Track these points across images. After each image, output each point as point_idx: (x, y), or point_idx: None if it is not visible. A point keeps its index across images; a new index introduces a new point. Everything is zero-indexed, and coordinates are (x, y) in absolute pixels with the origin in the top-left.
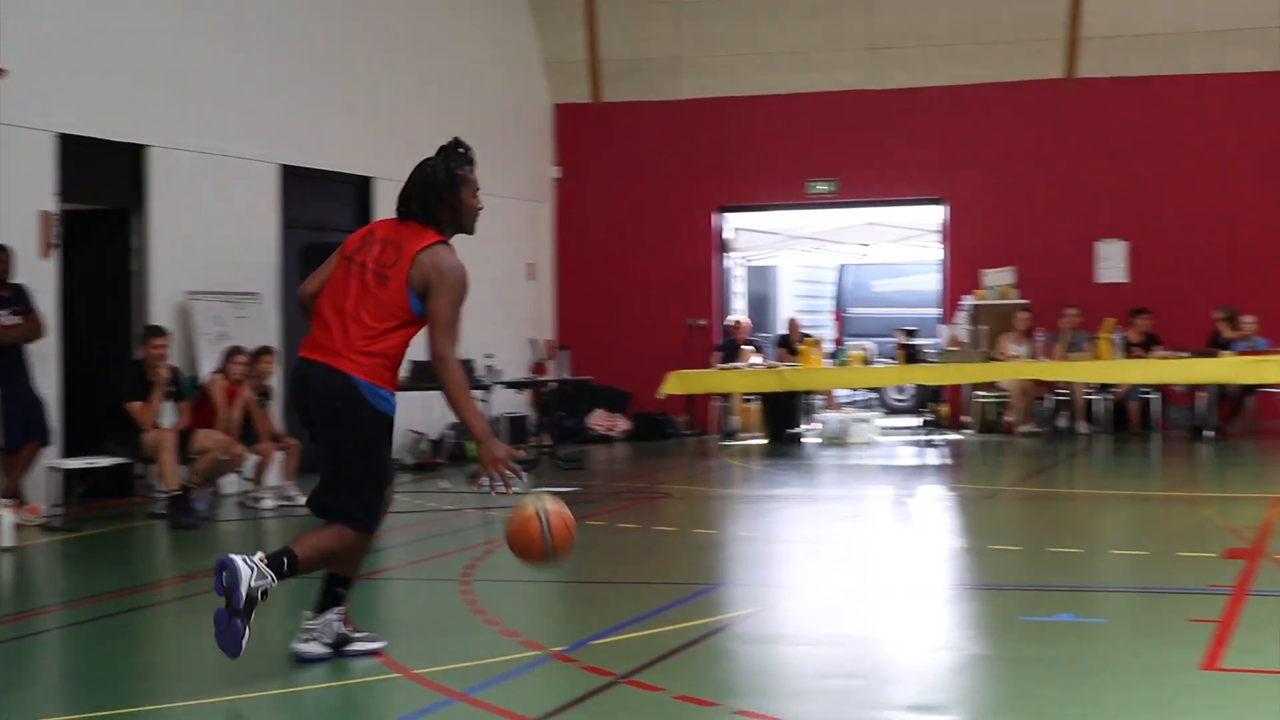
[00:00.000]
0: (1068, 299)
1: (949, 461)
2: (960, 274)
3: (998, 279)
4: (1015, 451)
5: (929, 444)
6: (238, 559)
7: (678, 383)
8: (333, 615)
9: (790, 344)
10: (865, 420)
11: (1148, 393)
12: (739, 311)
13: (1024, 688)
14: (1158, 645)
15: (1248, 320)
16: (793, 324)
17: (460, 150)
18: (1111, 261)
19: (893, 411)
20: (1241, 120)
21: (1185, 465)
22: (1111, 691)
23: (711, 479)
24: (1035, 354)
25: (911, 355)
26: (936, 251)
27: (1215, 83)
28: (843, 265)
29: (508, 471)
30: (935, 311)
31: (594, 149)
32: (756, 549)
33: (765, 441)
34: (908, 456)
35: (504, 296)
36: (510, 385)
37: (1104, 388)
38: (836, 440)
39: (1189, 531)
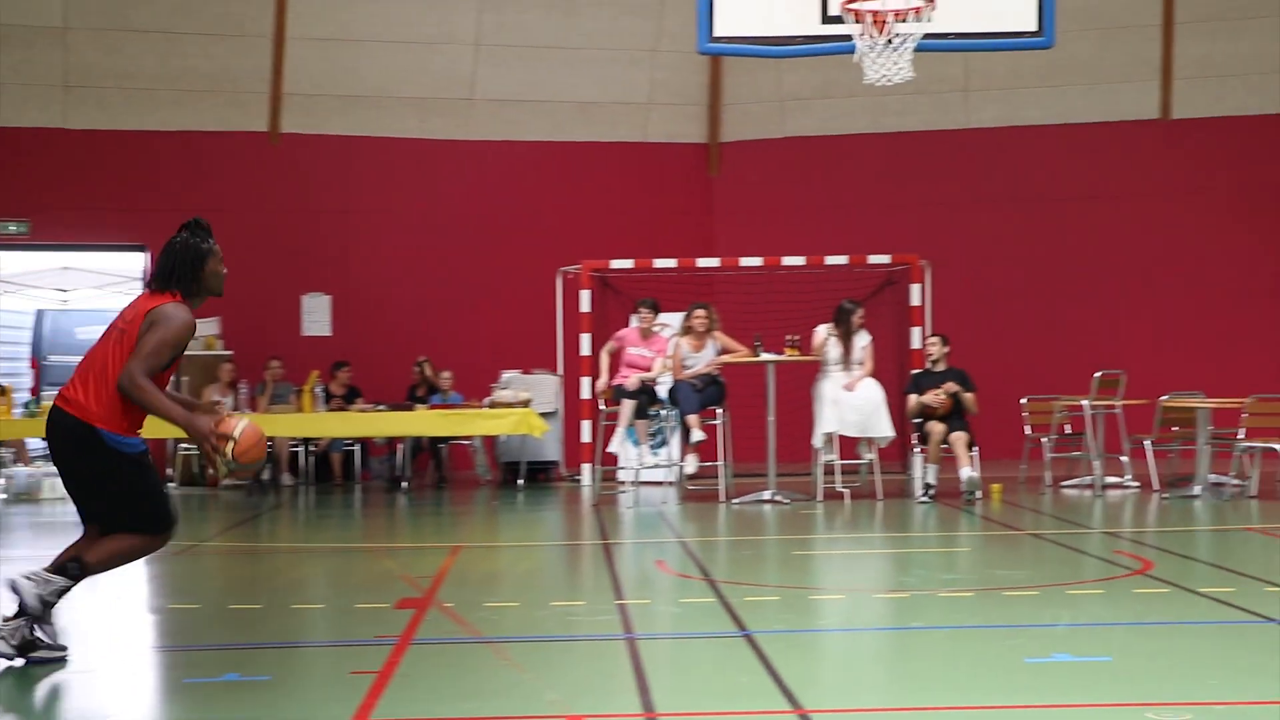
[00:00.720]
0: (274, 350)
1: None
2: None
3: (203, 329)
4: (219, 505)
5: None
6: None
7: None
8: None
9: None
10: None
11: (350, 444)
12: None
13: None
14: (315, 700)
15: (445, 375)
16: None
17: (203, 227)
18: (316, 315)
19: None
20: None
21: (381, 516)
22: None
23: None
24: (239, 405)
25: None
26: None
27: (405, 146)
28: (40, 310)
29: (218, 443)
30: None
31: None
32: None
33: None
34: None
35: None
36: None
37: (307, 440)
38: (26, 496)
39: (370, 582)
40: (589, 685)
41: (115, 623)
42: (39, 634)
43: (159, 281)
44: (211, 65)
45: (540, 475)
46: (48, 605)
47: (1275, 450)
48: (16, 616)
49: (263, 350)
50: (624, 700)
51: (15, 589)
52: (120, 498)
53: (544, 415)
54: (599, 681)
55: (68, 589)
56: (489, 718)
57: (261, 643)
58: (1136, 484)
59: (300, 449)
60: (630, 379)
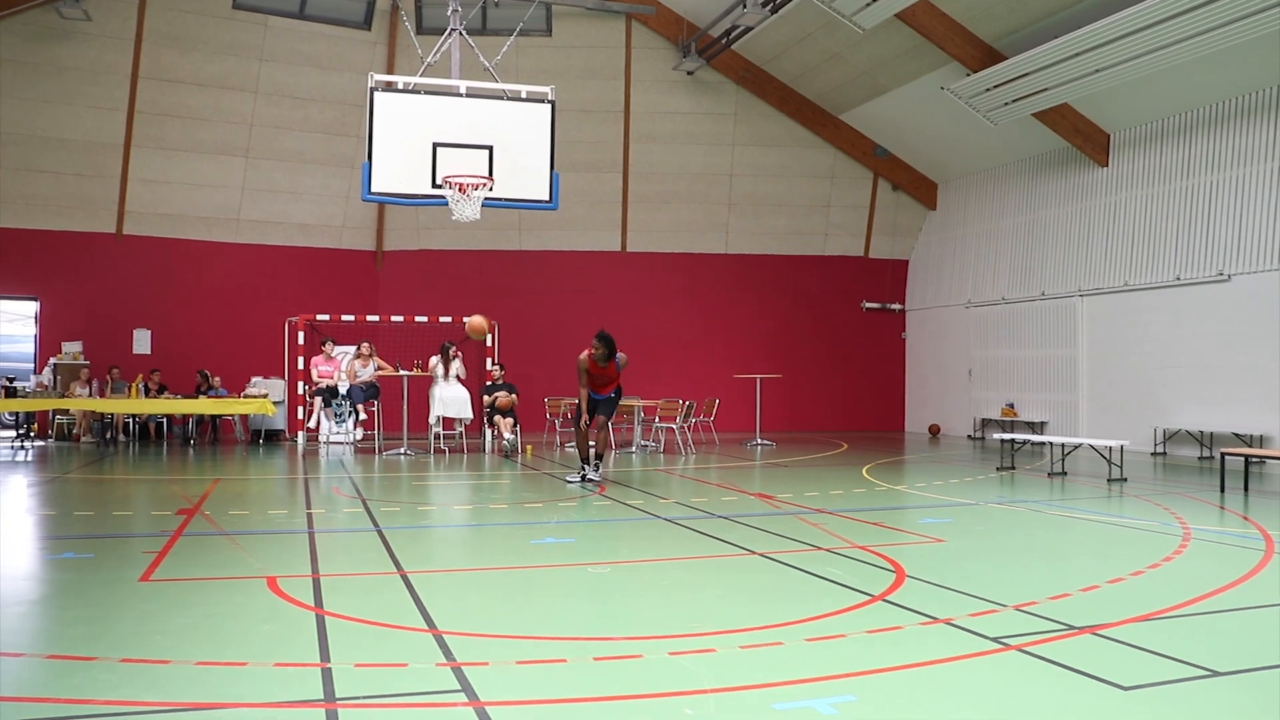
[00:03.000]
0: (114, 361)
1: (32, 459)
2: (47, 343)
3: (71, 348)
4: (79, 453)
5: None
6: None
7: None
8: None
9: None
10: None
11: (160, 419)
12: None
13: None
14: (121, 568)
15: (217, 379)
16: None
17: None
18: (141, 341)
19: None
20: None
21: (177, 461)
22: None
23: None
24: (92, 394)
25: (10, 392)
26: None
27: (198, 246)
28: None
29: None
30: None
31: None
32: None
33: None
34: None
35: None
36: None
37: (134, 415)
38: None
39: (162, 500)
40: (283, 559)
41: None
42: None
43: None
44: (79, 192)
45: (274, 438)
46: None
47: (672, 428)
48: None
49: (108, 361)
50: (303, 567)
51: None
52: None
53: (276, 403)
54: (289, 557)
55: None
56: (221, 577)
57: (91, 534)
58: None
59: (130, 421)
60: (322, 384)
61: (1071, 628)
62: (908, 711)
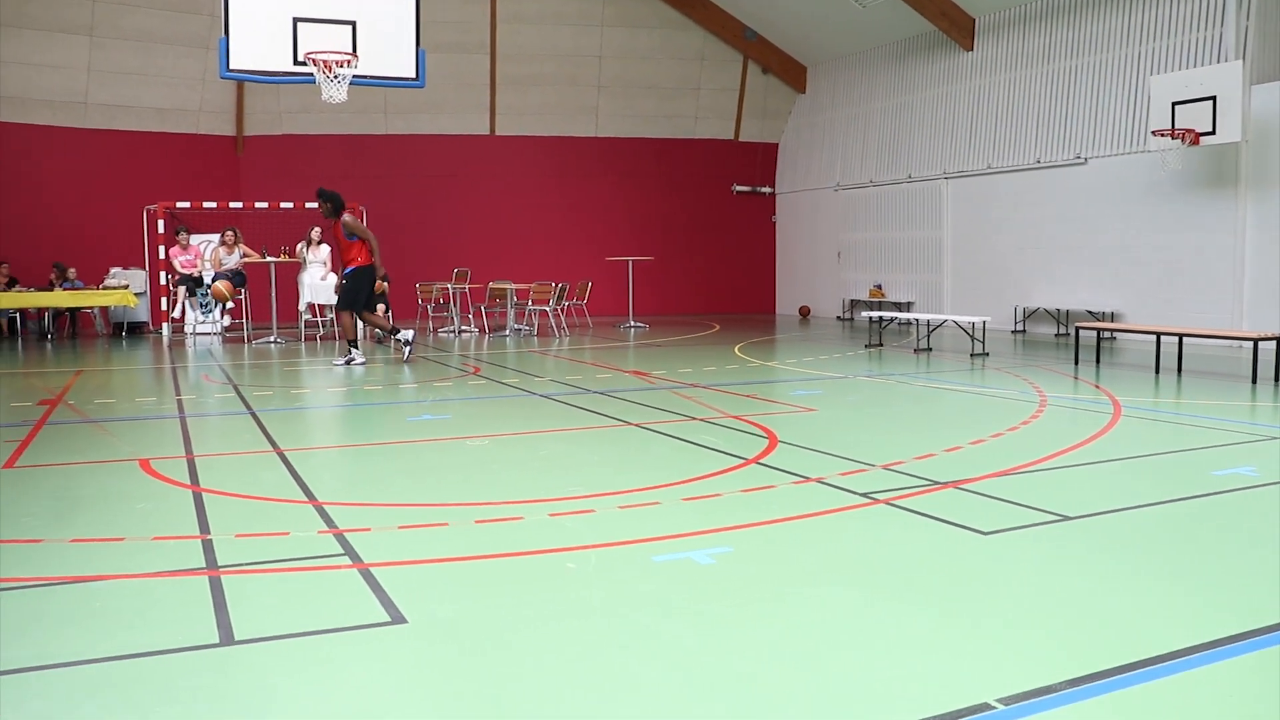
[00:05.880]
0: None
1: None
2: None
3: None
4: None
5: None
6: None
7: None
8: None
9: None
10: None
11: (13, 313)
12: None
13: None
14: None
15: (72, 270)
16: None
17: None
18: None
19: None
20: None
21: (34, 356)
22: None
23: None
24: None
25: None
26: None
27: (44, 132)
28: None
29: None
30: None
31: None
32: None
33: None
34: None
35: None
36: None
37: None
38: None
39: (22, 392)
40: (155, 443)
41: None
42: None
43: None
44: None
45: (137, 331)
46: None
47: (545, 311)
48: None
49: None
50: (175, 449)
51: None
52: None
53: (137, 294)
54: (163, 441)
55: None
56: (90, 461)
57: None
58: (476, 330)
59: None
60: (184, 274)
61: (936, 483)
62: (782, 558)
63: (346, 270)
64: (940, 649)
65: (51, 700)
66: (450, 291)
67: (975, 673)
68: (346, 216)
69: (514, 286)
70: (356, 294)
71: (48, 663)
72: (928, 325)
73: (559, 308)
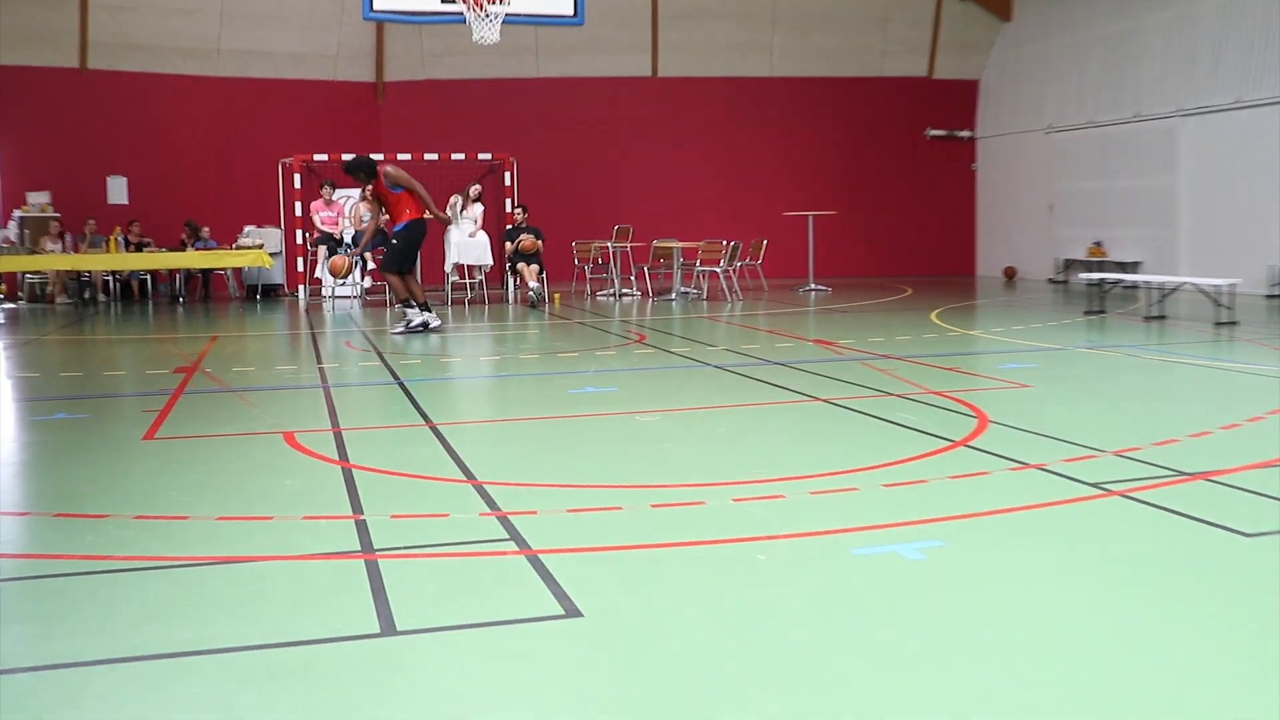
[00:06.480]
0: (89, 213)
1: (4, 322)
2: (10, 194)
3: (38, 199)
4: (55, 315)
5: None
6: None
7: None
8: None
9: None
10: None
11: (144, 275)
12: None
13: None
14: (121, 427)
15: (205, 229)
16: None
17: None
18: (117, 190)
19: None
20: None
21: (165, 320)
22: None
23: None
24: (66, 249)
25: None
26: None
27: (175, 81)
28: None
29: None
30: None
31: None
32: None
33: None
34: None
35: None
36: None
37: (114, 272)
38: None
39: (157, 359)
40: (299, 415)
41: None
42: None
43: None
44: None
45: (271, 293)
46: None
47: (715, 272)
48: None
49: (81, 213)
50: (321, 421)
51: None
52: None
53: (272, 254)
54: (307, 413)
55: None
56: (233, 433)
57: (82, 394)
58: (639, 294)
59: (110, 278)
60: (324, 232)
61: (1182, 474)
62: (1003, 556)
63: (397, 228)
64: (1211, 665)
65: (211, 686)
66: (610, 251)
67: (1249, 694)
68: (388, 167)
69: (680, 245)
70: (407, 254)
71: (206, 647)
72: (1160, 289)
73: (730, 269)
